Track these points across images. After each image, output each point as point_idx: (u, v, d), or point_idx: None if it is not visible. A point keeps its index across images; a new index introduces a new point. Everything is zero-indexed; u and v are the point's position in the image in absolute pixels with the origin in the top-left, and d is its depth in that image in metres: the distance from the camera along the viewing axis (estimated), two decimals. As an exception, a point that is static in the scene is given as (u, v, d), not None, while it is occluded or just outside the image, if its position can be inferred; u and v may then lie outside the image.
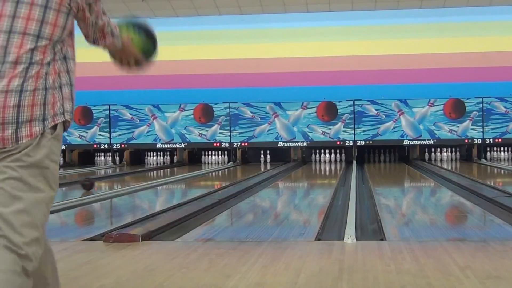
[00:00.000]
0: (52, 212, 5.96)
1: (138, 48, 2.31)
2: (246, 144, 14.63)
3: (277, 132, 14.54)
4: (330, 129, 14.43)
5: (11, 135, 1.81)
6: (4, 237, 1.80)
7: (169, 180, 10.39)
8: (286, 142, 14.51)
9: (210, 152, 15.08)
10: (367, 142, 14.35)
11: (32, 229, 1.85)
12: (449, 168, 12.71)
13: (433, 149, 14.90)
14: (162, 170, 13.72)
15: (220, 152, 15.08)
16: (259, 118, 14.59)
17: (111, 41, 2.15)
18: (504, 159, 14.37)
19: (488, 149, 14.60)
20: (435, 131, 14.21)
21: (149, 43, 2.40)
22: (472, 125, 14.19)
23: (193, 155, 15.33)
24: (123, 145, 15.06)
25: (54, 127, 1.92)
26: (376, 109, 14.35)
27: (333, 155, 14.79)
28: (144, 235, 4.17)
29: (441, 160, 14.68)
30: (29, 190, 1.86)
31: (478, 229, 4.95)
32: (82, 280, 3.10)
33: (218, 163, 14.94)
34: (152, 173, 13.04)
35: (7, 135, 1.81)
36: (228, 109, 14.63)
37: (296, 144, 14.53)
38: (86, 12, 2.03)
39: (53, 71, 1.91)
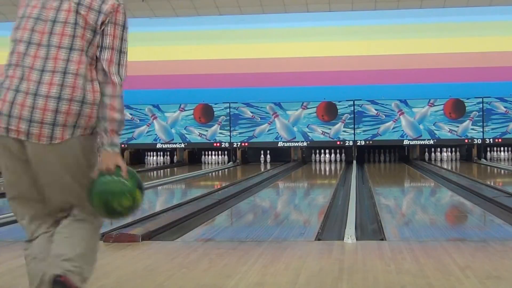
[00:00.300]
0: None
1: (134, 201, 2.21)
2: (246, 144, 14.63)
3: (277, 132, 14.54)
4: (330, 129, 14.43)
5: (47, 134, 2.11)
6: None
7: (169, 180, 10.39)
8: (286, 142, 14.51)
9: (210, 152, 15.08)
10: (367, 142, 14.35)
11: None
12: (449, 168, 12.72)
13: (433, 149, 14.90)
14: (162, 170, 13.72)
15: (220, 152, 15.09)
16: (259, 118, 14.59)
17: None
18: (504, 159, 14.37)
19: (488, 149, 14.60)
20: (435, 131, 14.21)
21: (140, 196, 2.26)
22: (472, 125, 14.19)
23: (193, 155, 15.32)
24: (123, 145, 15.05)
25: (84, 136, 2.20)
26: (376, 109, 14.35)
27: (333, 155, 14.79)
28: (144, 235, 4.17)
29: (441, 160, 14.68)
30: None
31: (478, 229, 4.95)
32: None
33: (218, 163, 14.94)
34: (152, 173, 13.04)
35: (43, 133, 2.11)
36: (228, 109, 14.63)
37: (296, 144, 14.53)
38: (107, 28, 2.23)
39: (92, 88, 2.18)
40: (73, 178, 2.18)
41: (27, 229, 2.27)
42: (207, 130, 14.67)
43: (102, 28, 2.20)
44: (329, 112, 14.47)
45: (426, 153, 14.87)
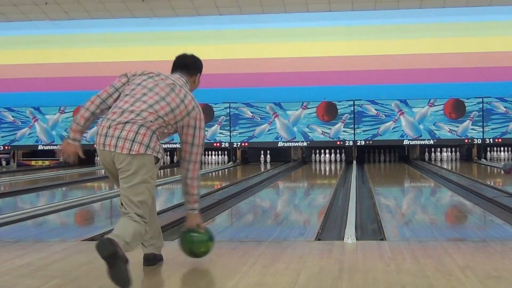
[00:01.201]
0: (52, 212, 5.98)
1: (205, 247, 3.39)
2: (246, 144, 14.64)
3: (277, 132, 14.55)
4: (330, 129, 14.43)
5: (128, 147, 3.05)
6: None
7: (169, 180, 10.38)
8: (286, 142, 14.51)
9: (210, 152, 15.11)
10: (367, 142, 14.35)
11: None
12: (449, 168, 12.72)
13: (433, 149, 14.90)
14: (162, 170, 13.72)
15: (220, 152, 15.11)
16: (259, 118, 14.60)
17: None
18: (504, 159, 14.37)
19: (488, 149, 14.61)
20: (435, 131, 14.22)
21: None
22: (472, 125, 14.19)
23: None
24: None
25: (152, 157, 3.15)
26: (376, 109, 14.35)
27: (333, 155, 14.79)
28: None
29: (441, 160, 14.69)
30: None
31: (478, 229, 4.95)
32: (82, 280, 3.10)
33: (218, 163, 14.94)
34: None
35: (125, 146, 3.05)
36: (228, 109, 14.64)
37: (296, 144, 14.53)
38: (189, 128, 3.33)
39: (156, 137, 3.16)
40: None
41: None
42: (207, 130, 14.67)
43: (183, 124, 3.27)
44: (329, 112, 14.47)
45: (426, 153, 14.88)
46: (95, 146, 3.16)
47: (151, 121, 3.09)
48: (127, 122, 3.07)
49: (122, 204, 3.12)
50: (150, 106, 3.13)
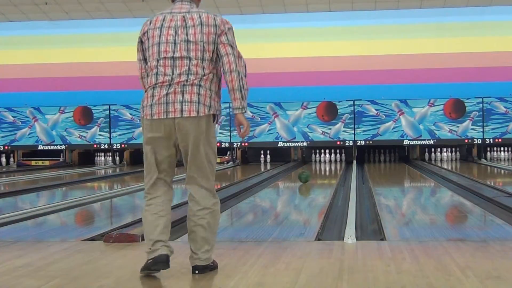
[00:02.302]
0: (52, 212, 5.98)
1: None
2: (246, 144, 14.64)
3: (277, 132, 14.55)
4: (330, 129, 14.43)
5: (195, 109, 3.07)
6: None
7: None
8: (286, 142, 14.51)
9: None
10: (367, 142, 14.35)
11: None
12: (449, 168, 12.72)
13: (433, 149, 14.91)
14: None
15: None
16: (259, 118, 14.60)
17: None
18: (504, 159, 14.38)
19: (488, 149, 14.61)
20: (435, 131, 14.22)
21: None
22: (472, 125, 14.19)
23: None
24: (123, 145, 15.07)
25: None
26: (376, 109, 14.35)
27: (333, 155, 14.79)
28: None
29: (441, 160, 14.69)
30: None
31: (478, 229, 4.95)
32: (82, 280, 3.10)
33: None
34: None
35: (193, 109, 3.06)
36: (228, 109, 14.64)
37: (296, 144, 14.53)
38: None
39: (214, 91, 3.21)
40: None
41: None
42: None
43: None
44: (329, 112, 14.47)
45: (426, 153, 14.88)
46: (145, 117, 3.12)
47: (203, 74, 3.09)
48: (184, 84, 3.07)
49: (191, 193, 3.16)
50: (188, 57, 3.10)
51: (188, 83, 3.06)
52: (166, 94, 3.06)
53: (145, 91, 3.18)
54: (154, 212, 3.11)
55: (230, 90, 3.15)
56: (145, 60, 3.25)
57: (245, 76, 3.18)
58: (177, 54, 3.10)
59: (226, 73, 3.12)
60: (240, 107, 3.17)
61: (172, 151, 3.16)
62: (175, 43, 3.13)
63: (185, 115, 3.04)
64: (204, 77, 3.09)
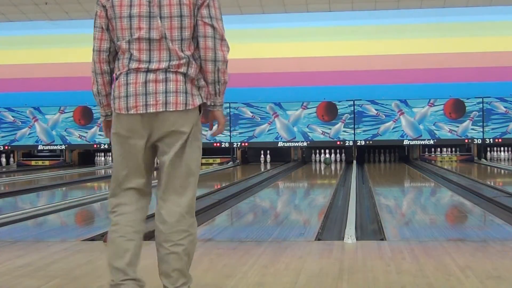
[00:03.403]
0: (52, 212, 5.98)
1: None
2: (246, 144, 14.63)
3: (277, 132, 14.54)
4: (330, 129, 14.43)
5: (182, 101, 2.48)
6: None
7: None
8: (286, 142, 14.51)
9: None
10: (367, 142, 14.35)
11: None
12: (449, 168, 12.72)
13: (433, 149, 14.90)
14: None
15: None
16: (259, 118, 14.59)
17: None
18: (504, 159, 14.38)
19: (488, 149, 14.61)
20: (435, 131, 14.22)
21: None
22: (472, 125, 14.19)
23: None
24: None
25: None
26: (376, 109, 14.35)
27: (333, 155, 14.79)
28: (144, 235, 4.15)
29: (441, 160, 14.69)
30: None
31: (478, 229, 4.95)
32: (82, 280, 3.10)
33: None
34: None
35: (180, 101, 2.47)
36: (228, 109, 14.63)
37: (296, 144, 14.53)
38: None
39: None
40: None
41: None
42: (207, 130, 14.63)
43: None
44: (329, 112, 14.47)
45: (426, 153, 14.89)
46: (117, 111, 2.47)
47: (187, 58, 2.48)
48: (166, 71, 2.45)
49: (161, 206, 2.50)
50: (166, 38, 2.46)
51: (171, 69, 2.45)
52: (145, 82, 2.43)
53: (116, 78, 2.53)
54: (121, 233, 2.48)
55: (204, 80, 2.56)
56: (108, 30, 2.53)
57: (225, 64, 2.63)
58: (154, 34, 2.45)
59: (201, 60, 2.52)
60: (212, 104, 2.58)
61: (149, 153, 2.52)
62: (150, 17, 2.46)
63: (171, 109, 2.43)
64: (188, 61, 2.49)
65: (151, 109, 2.42)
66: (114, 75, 2.58)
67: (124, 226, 2.49)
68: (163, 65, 2.45)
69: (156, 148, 2.51)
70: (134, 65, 2.45)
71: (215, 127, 2.64)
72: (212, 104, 2.59)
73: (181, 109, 2.44)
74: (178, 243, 2.46)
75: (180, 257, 2.48)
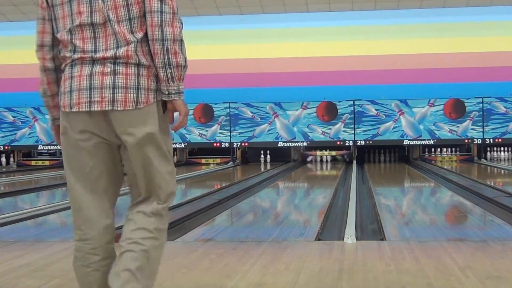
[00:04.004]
0: (52, 212, 5.98)
1: None
2: (246, 144, 14.63)
3: (277, 132, 14.54)
4: (330, 129, 14.43)
5: (132, 98, 2.12)
6: None
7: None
8: (286, 142, 14.51)
9: None
10: (367, 142, 14.35)
11: None
12: (449, 168, 12.71)
13: (433, 149, 14.90)
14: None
15: None
16: (259, 118, 14.59)
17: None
18: (504, 159, 14.37)
19: (488, 149, 14.61)
20: (435, 131, 14.21)
21: None
22: (472, 125, 14.19)
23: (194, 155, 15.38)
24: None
25: None
26: (376, 109, 14.35)
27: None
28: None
29: (441, 160, 14.69)
30: None
31: (478, 229, 4.95)
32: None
33: None
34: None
35: (129, 98, 2.12)
36: (228, 109, 14.63)
37: (296, 144, 14.53)
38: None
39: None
40: None
41: None
42: (207, 130, 14.68)
43: None
44: (329, 112, 14.47)
45: (426, 153, 14.89)
46: (63, 109, 2.14)
47: (136, 42, 2.10)
48: (114, 61, 2.09)
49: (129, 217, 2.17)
50: (111, 20, 2.09)
51: (120, 60, 2.08)
52: (90, 75, 2.09)
53: (62, 71, 2.21)
54: (83, 262, 2.13)
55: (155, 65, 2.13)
56: (50, 20, 2.27)
57: (177, 43, 2.11)
58: (97, 18, 2.10)
59: (149, 41, 2.10)
60: (166, 92, 2.12)
61: (106, 156, 2.16)
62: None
63: (118, 108, 2.06)
64: (141, 45, 2.10)
65: (96, 107, 2.07)
66: (44, 65, 2.30)
67: (87, 254, 2.14)
68: (110, 53, 2.08)
69: (120, 150, 2.18)
70: (78, 55, 2.11)
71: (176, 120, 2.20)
72: (166, 92, 2.11)
73: (130, 108, 2.07)
74: (137, 242, 2.11)
75: (136, 258, 2.09)
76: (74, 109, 2.09)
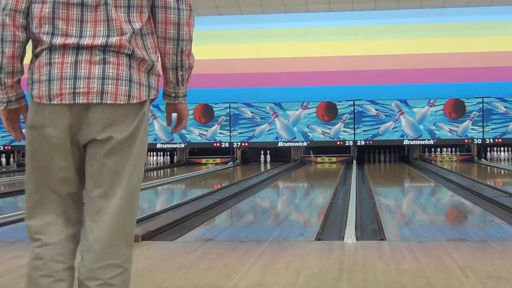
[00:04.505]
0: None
1: None
2: (246, 144, 14.63)
3: (277, 132, 14.54)
4: (330, 129, 14.43)
5: (124, 92, 1.87)
6: None
7: (169, 180, 10.38)
8: (286, 142, 14.51)
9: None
10: (367, 142, 14.35)
11: None
12: (449, 168, 12.72)
13: (433, 149, 14.90)
14: (162, 170, 13.72)
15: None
16: (259, 118, 14.59)
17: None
18: (504, 159, 14.37)
19: (488, 149, 14.61)
20: (435, 131, 14.21)
21: None
22: (472, 125, 14.19)
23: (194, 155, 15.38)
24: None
25: None
26: (376, 109, 14.35)
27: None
28: (144, 235, 4.16)
29: (441, 160, 14.69)
30: None
31: (478, 229, 4.95)
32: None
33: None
34: (152, 173, 13.04)
35: (120, 91, 1.86)
36: (228, 109, 14.63)
37: (296, 144, 14.53)
38: None
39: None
40: None
41: None
42: (207, 130, 14.68)
43: None
44: (329, 112, 14.47)
45: (426, 153, 14.90)
46: (37, 100, 1.82)
47: (132, 32, 1.85)
48: (104, 49, 1.82)
49: (89, 229, 1.86)
50: (106, 3, 1.83)
51: (111, 48, 1.82)
52: (75, 63, 1.80)
53: (35, 56, 1.87)
54: (46, 272, 1.84)
55: (162, 65, 1.96)
56: None
57: (190, 43, 1.94)
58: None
59: (159, 38, 1.91)
60: (173, 95, 1.97)
61: (77, 157, 1.89)
62: None
63: (108, 101, 1.80)
64: (136, 37, 1.86)
65: (81, 99, 1.78)
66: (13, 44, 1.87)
67: (50, 262, 1.84)
68: (99, 41, 1.81)
69: (85, 149, 1.88)
70: (59, 40, 1.81)
71: (175, 123, 2.04)
72: (173, 95, 1.97)
73: (122, 102, 1.81)
74: (108, 283, 1.86)
75: None
76: (55, 101, 1.78)
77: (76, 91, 1.78)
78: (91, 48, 1.81)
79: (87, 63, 1.80)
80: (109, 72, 1.80)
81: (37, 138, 1.84)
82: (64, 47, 1.81)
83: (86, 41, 1.81)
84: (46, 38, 1.82)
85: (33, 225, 1.87)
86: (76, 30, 1.82)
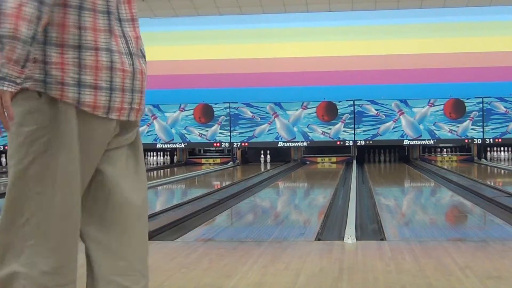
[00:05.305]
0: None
1: None
2: (246, 144, 14.63)
3: (277, 132, 14.54)
4: (330, 129, 14.42)
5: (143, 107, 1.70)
6: None
7: (169, 180, 10.38)
8: (286, 142, 14.51)
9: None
10: (367, 142, 14.35)
11: None
12: (449, 168, 12.71)
13: (433, 149, 14.90)
14: (162, 170, 13.72)
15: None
16: (259, 118, 14.59)
17: None
18: (504, 159, 14.37)
19: (488, 149, 14.61)
20: (435, 131, 14.21)
21: None
22: (472, 125, 14.19)
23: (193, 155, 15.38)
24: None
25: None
26: (376, 109, 14.35)
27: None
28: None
29: (441, 160, 14.69)
30: None
31: (478, 229, 4.95)
32: (82, 280, 3.09)
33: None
34: (152, 173, 13.04)
35: (143, 105, 1.68)
36: (228, 109, 14.63)
37: (296, 144, 14.53)
38: None
39: None
40: None
41: None
42: (207, 130, 14.67)
43: None
44: (329, 112, 14.47)
45: (426, 153, 14.90)
46: (88, 109, 1.49)
47: None
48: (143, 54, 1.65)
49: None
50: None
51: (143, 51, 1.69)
52: (133, 73, 1.55)
53: (81, 49, 1.47)
54: None
55: None
56: None
57: None
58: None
59: None
60: None
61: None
62: None
63: (137, 118, 1.63)
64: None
65: (132, 116, 1.58)
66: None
67: None
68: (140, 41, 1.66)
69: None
70: (117, 25, 1.54)
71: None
72: None
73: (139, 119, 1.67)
74: None
75: None
76: (113, 116, 1.51)
77: (132, 106, 1.56)
78: (137, 48, 1.59)
79: (140, 74, 1.57)
80: (144, 85, 1.60)
81: (71, 157, 1.52)
82: (119, 52, 1.54)
83: (133, 47, 1.58)
84: (104, 23, 1.52)
85: (55, 273, 1.70)
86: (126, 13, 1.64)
